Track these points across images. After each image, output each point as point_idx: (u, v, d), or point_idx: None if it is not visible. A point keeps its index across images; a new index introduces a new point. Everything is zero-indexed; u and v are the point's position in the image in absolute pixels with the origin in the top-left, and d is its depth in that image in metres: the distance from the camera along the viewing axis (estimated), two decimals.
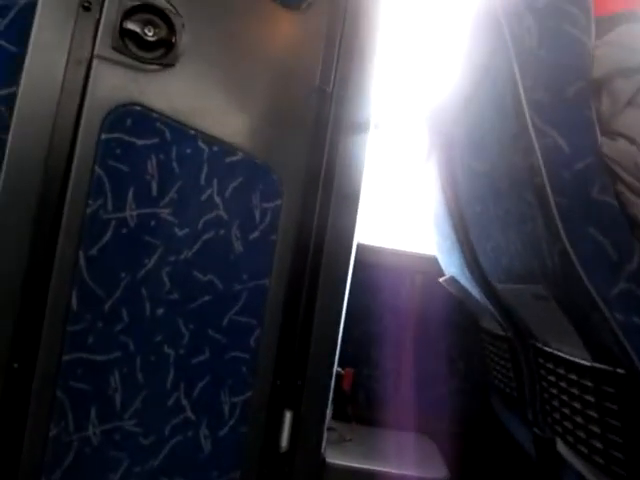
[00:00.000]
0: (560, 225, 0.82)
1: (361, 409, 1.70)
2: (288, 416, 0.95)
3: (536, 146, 0.84)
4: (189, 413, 0.90)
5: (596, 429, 0.90)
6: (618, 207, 0.81)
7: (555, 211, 0.82)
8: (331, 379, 1.00)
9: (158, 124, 0.87)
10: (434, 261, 1.74)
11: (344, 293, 1.00)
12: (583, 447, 0.95)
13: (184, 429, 0.90)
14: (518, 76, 0.86)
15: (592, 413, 0.90)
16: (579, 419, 0.95)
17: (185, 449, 0.90)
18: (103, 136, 0.84)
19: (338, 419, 1.58)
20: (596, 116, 0.84)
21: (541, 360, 1.13)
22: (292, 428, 0.95)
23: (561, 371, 1.01)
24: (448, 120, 1.30)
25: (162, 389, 0.89)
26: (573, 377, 0.96)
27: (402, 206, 1.99)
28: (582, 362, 0.91)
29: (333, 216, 0.97)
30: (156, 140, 0.87)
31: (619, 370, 0.82)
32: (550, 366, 1.07)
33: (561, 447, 1.07)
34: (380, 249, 1.89)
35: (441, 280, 1.69)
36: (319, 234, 0.97)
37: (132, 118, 0.86)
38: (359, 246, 1.50)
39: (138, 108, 0.86)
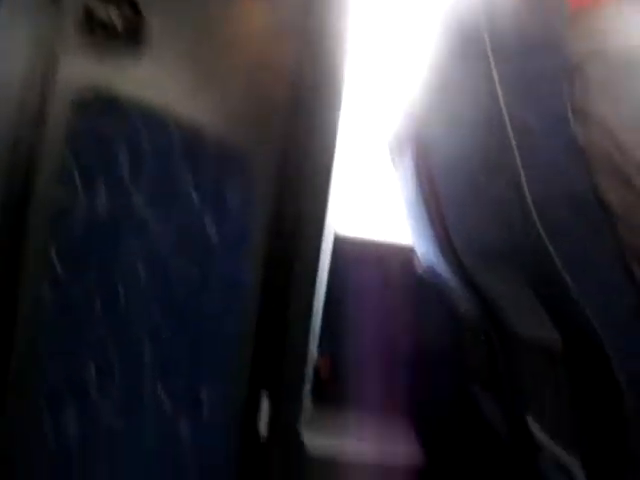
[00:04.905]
0: (532, 207, 0.83)
1: (340, 394, 1.71)
2: (266, 403, 0.95)
3: (509, 127, 0.84)
4: (167, 406, 0.89)
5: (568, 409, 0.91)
6: (592, 188, 0.82)
7: (527, 192, 0.83)
8: (307, 364, 1.00)
9: (127, 109, 0.86)
10: (413, 251, 1.74)
11: (315, 278, 0.99)
12: (553, 425, 0.97)
13: (164, 422, 0.89)
14: (492, 62, 0.87)
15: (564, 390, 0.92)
16: (550, 397, 0.97)
17: (166, 442, 0.89)
18: (71, 122, 0.83)
19: (317, 404, 1.58)
20: (570, 101, 0.85)
21: (515, 344, 1.14)
22: (271, 414, 0.95)
23: (533, 355, 1.03)
24: (421, 105, 1.31)
25: (139, 382, 0.88)
26: (545, 359, 0.97)
27: (378, 195, 1.99)
28: (554, 343, 0.92)
29: (305, 203, 0.97)
30: (125, 125, 0.86)
31: (587, 348, 0.83)
32: (522, 349, 1.09)
33: (533, 426, 1.09)
34: (359, 240, 1.89)
35: (419, 269, 1.70)
36: (291, 221, 0.96)
37: (100, 104, 0.85)
38: (337, 238, 1.50)
39: (105, 94, 0.85)
